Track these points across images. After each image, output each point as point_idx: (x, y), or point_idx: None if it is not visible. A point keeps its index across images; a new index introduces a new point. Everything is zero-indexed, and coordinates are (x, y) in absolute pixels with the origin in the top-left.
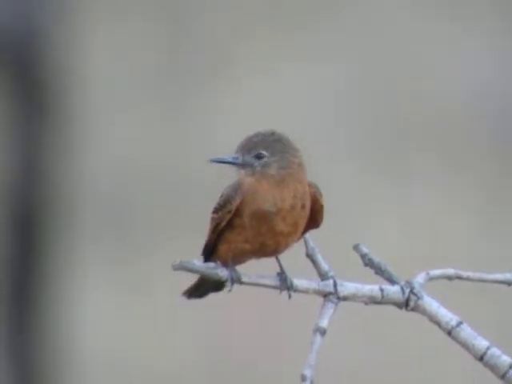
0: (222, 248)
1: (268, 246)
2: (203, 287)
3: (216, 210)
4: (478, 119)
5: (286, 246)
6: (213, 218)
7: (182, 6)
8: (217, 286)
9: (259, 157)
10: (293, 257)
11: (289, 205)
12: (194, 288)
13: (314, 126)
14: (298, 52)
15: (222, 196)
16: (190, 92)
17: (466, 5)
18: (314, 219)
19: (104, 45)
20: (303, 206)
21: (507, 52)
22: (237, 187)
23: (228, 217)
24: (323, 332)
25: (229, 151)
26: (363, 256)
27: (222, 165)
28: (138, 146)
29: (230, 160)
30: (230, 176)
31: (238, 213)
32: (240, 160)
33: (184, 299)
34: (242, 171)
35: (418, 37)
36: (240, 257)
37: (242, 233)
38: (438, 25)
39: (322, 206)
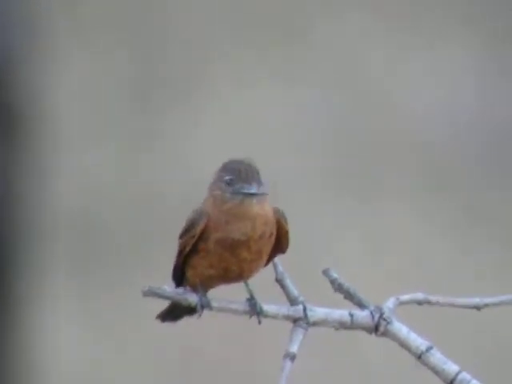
0: (189, 273)
1: (232, 271)
2: (177, 311)
3: (181, 235)
4: (452, 138)
5: (251, 271)
6: (179, 243)
7: (148, 32)
8: (190, 309)
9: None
10: (262, 282)
11: (260, 233)
12: (168, 311)
13: (286, 146)
14: (273, 72)
15: (187, 220)
16: (164, 116)
17: (443, 27)
18: (280, 245)
19: (76, 69)
20: (271, 235)
21: (486, 73)
22: (201, 212)
23: (192, 241)
24: (293, 357)
25: (201, 176)
26: (333, 281)
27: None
28: (111, 172)
29: (256, 192)
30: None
31: (202, 237)
32: (260, 190)
33: (157, 323)
34: (255, 201)
35: (395, 59)
36: (207, 282)
37: (207, 257)
38: (416, 47)
39: (286, 232)
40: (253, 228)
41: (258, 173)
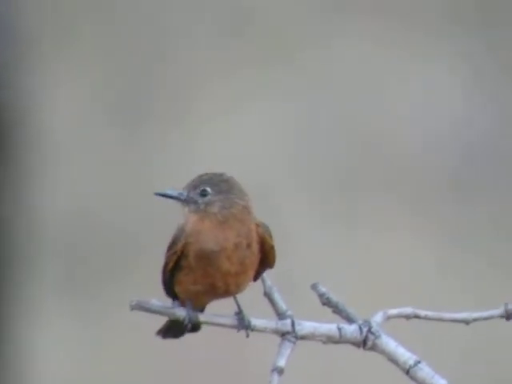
0: (177, 289)
1: (218, 287)
2: (176, 327)
3: (167, 251)
4: (438, 159)
5: (238, 286)
6: (165, 257)
7: (143, 47)
8: (193, 326)
9: (203, 194)
10: (251, 296)
11: (232, 244)
12: (168, 328)
13: (271, 166)
14: (260, 93)
15: (172, 237)
16: (152, 129)
17: (430, 42)
18: (266, 260)
19: (63, 80)
20: (249, 246)
21: (473, 88)
22: (182, 228)
23: (174, 258)
24: (281, 371)
25: None
26: (321, 295)
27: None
28: (98, 194)
29: (175, 195)
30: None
31: (184, 254)
32: (184, 196)
33: (156, 338)
34: (186, 208)
35: (380, 77)
36: (196, 298)
37: (190, 274)
38: (401, 63)
39: (272, 247)
40: (225, 238)
41: (203, 181)
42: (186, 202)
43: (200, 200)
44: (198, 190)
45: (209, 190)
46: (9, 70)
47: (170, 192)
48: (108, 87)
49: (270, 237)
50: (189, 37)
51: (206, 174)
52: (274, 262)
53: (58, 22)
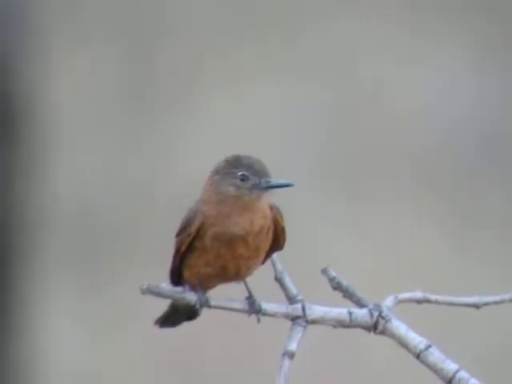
0: (187, 273)
1: (229, 269)
2: (175, 315)
3: (177, 234)
4: (448, 138)
5: (248, 269)
6: (175, 242)
7: (144, 33)
8: (189, 314)
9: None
10: (261, 280)
11: (258, 228)
12: (166, 316)
13: (277, 149)
14: (270, 72)
15: (183, 219)
16: (154, 117)
17: (444, 28)
18: (277, 242)
19: (71, 69)
20: (268, 230)
21: (482, 74)
22: (197, 210)
23: (188, 240)
24: (291, 355)
25: (196, 175)
26: (331, 279)
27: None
28: (102, 171)
29: (284, 183)
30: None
31: (198, 235)
32: (259, 183)
33: (156, 328)
34: (251, 195)
35: (392, 59)
36: (205, 281)
37: (203, 255)
38: (412, 49)
39: (283, 228)
40: (251, 223)
41: (266, 167)
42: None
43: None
44: (259, 177)
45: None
46: (15, 56)
47: (277, 182)
48: (112, 74)
49: (282, 218)
50: (190, 19)
51: (249, 157)
52: (283, 243)
53: (64, 8)
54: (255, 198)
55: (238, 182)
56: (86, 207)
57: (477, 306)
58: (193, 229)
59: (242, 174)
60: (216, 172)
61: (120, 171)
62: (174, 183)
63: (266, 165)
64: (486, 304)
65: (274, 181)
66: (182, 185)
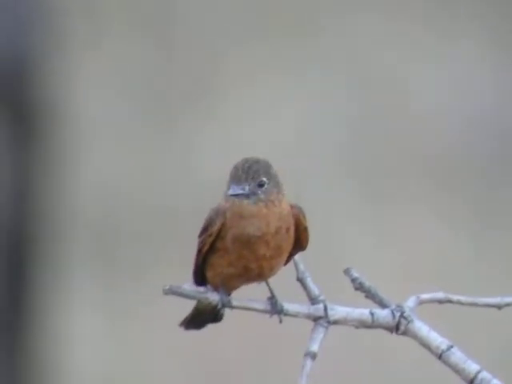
0: (209, 273)
1: (252, 269)
2: (200, 318)
3: (200, 234)
4: (467, 137)
5: (271, 269)
6: (198, 242)
7: (163, 33)
8: (214, 316)
9: (261, 184)
10: (283, 281)
11: (274, 228)
12: (191, 318)
13: (301, 149)
14: (286, 71)
15: (205, 219)
16: (173, 118)
17: (459, 26)
18: (299, 241)
19: (90, 70)
20: (287, 230)
21: (501, 70)
22: (218, 210)
23: (210, 240)
24: (314, 356)
25: (215, 177)
26: (354, 280)
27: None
28: (125, 173)
29: (241, 192)
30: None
31: (220, 236)
32: (247, 190)
33: (175, 321)
34: (246, 201)
35: (408, 56)
36: (228, 282)
37: (225, 256)
38: (429, 45)
39: (305, 228)
40: (267, 224)
41: (257, 171)
42: (247, 195)
43: (259, 191)
44: (257, 182)
45: (265, 179)
46: (35, 59)
47: (237, 191)
48: (132, 75)
49: (304, 218)
50: (209, 20)
51: (255, 161)
52: (306, 243)
53: (83, 9)
54: (234, 204)
55: (226, 191)
56: (107, 207)
57: (499, 307)
58: (214, 229)
59: (228, 179)
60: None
61: (140, 171)
62: (195, 184)
63: (253, 168)
64: (508, 305)
65: (231, 188)
66: (203, 186)
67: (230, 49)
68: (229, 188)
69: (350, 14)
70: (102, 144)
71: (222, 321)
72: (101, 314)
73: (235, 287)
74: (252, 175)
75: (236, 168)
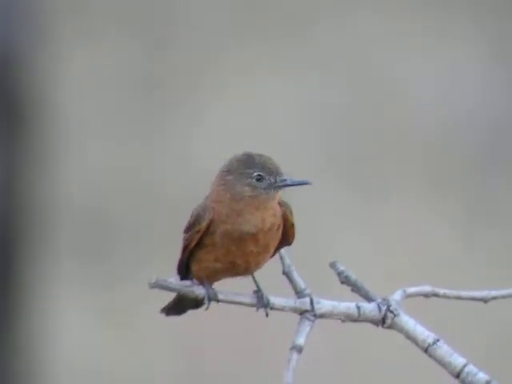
0: (195, 267)
1: (238, 265)
2: (181, 304)
3: (186, 230)
4: (455, 133)
5: (257, 264)
6: (184, 238)
7: (155, 28)
8: (195, 303)
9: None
10: (269, 274)
11: (269, 225)
12: (172, 305)
13: (288, 143)
14: (278, 69)
15: (191, 215)
16: (165, 113)
17: (452, 26)
18: (286, 237)
19: (80, 64)
20: (279, 227)
21: (489, 68)
22: (205, 207)
23: (197, 236)
24: (300, 349)
25: (203, 170)
26: (340, 273)
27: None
28: (113, 163)
29: (300, 181)
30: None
31: (208, 232)
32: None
33: (162, 316)
34: (266, 195)
35: (402, 53)
36: (213, 276)
37: (213, 252)
38: (420, 44)
39: (292, 225)
40: (262, 220)
41: (278, 166)
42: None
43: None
44: (280, 175)
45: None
46: (25, 54)
47: (293, 181)
48: (123, 70)
49: (291, 214)
50: (201, 16)
51: (259, 156)
52: (293, 239)
53: (73, 4)
54: (271, 197)
55: (253, 182)
56: (95, 201)
57: (485, 301)
58: (202, 225)
59: (258, 174)
60: (229, 172)
61: (131, 166)
62: (185, 180)
63: (277, 163)
64: (494, 298)
65: (289, 179)
66: (193, 182)
67: (221, 46)
68: (280, 180)
69: (350, 13)
70: (91, 139)
71: (209, 315)
72: (89, 308)
73: (219, 280)
74: (276, 170)
75: (264, 163)
